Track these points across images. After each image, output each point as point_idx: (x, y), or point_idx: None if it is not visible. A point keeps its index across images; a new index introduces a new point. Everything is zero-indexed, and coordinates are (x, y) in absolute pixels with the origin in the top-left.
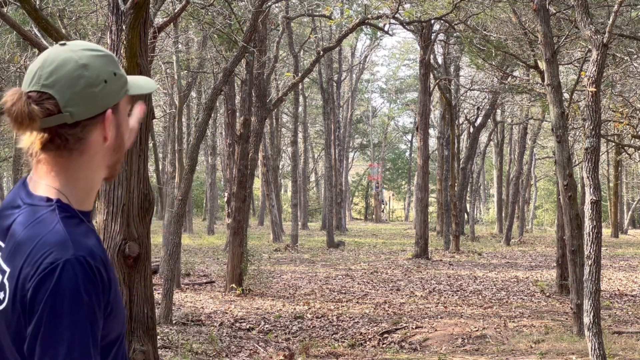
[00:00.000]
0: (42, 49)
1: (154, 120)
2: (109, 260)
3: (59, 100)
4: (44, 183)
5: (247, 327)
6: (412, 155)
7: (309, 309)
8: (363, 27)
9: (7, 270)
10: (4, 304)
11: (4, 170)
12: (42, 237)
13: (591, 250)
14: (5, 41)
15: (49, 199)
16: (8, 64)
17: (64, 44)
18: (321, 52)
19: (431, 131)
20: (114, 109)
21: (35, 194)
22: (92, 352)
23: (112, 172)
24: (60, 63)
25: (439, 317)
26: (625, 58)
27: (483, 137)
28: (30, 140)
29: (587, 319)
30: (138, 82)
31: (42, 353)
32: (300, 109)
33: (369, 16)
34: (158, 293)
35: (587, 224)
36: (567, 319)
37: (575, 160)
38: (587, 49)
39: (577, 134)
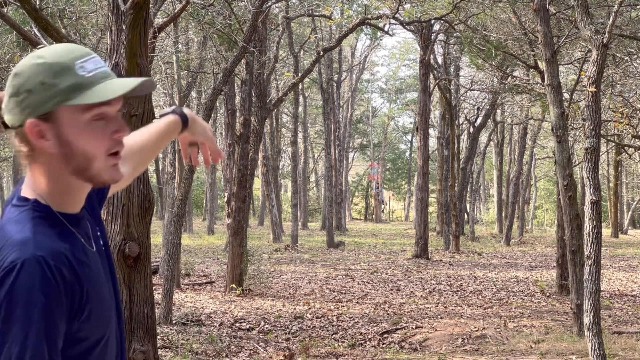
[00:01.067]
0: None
1: (154, 120)
2: (86, 262)
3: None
4: (28, 184)
5: (247, 327)
6: (412, 155)
7: (309, 309)
8: (363, 27)
9: None
10: None
11: (4, 170)
12: (10, 236)
13: (591, 251)
14: (5, 41)
15: (26, 199)
16: (8, 64)
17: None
18: (321, 52)
19: (431, 131)
20: (49, 118)
21: (20, 195)
22: (45, 353)
23: (91, 179)
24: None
25: (439, 317)
26: (625, 58)
27: (483, 137)
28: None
29: (587, 319)
30: (100, 90)
31: None
32: (300, 109)
33: (369, 16)
34: (158, 293)
35: (587, 224)
36: (567, 319)
37: (575, 160)
38: (587, 49)
39: (577, 134)
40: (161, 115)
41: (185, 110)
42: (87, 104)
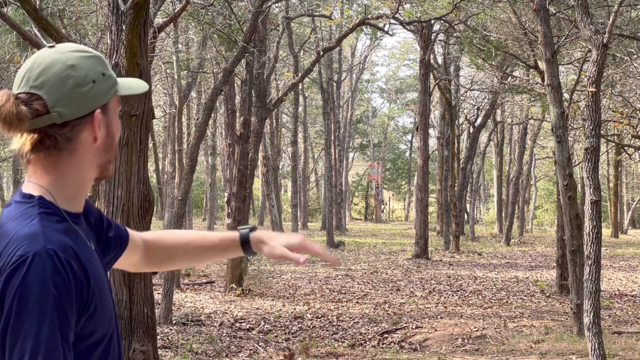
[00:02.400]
0: (41, 49)
1: (154, 120)
2: (89, 259)
3: (48, 101)
4: (32, 182)
5: (247, 327)
6: (412, 155)
7: (309, 309)
8: (363, 27)
9: None
10: None
11: (4, 170)
12: (17, 231)
13: (591, 250)
14: (5, 41)
15: (31, 196)
16: (8, 64)
17: (53, 46)
18: (321, 52)
19: (431, 131)
20: (103, 109)
21: (23, 192)
22: (60, 345)
23: (103, 172)
24: (49, 64)
25: (439, 317)
26: (625, 58)
27: (483, 137)
28: (20, 141)
29: (587, 319)
30: (128, 84)
31: (11, 346)
32: (300, 109)
33: (369, 16)
34: (158, 293)
35: (587, 224)
36: (567, 319)
37: (575, 160)
38: (587, 49)
39: (577, 134)
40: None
41: (256, 231)
42: (119, 99)
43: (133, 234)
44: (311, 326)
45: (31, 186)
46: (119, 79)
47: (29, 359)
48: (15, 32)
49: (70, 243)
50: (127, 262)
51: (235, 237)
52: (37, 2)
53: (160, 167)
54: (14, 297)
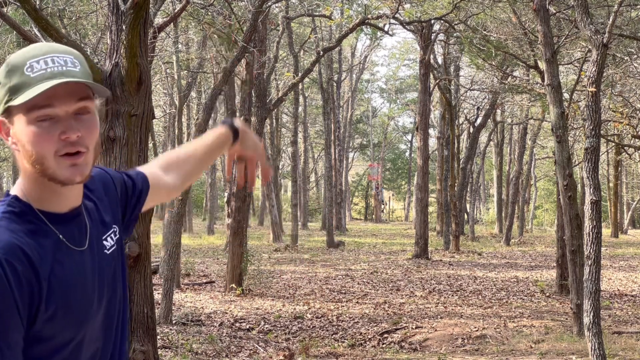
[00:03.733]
0: None
1: (154, 120)
2: (56, 260)
3: None
4: (17, 181)
5: (247, 327)
6: (412, 155)
7: (309, 309)
8: (363, 27)
9: None
10: None
11: (4, 170)
12: None
13: (591, 250)
14: (5, 41)
15: (8, 195)
16: None
17: None
18: (321, 52)
19: (431, 131)
20: (9, 118)
21: (8, 191)
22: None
23: (50, 177)
24: None
25: (439, 317)
26: (625, 58)
27: (483, 137)
28: None
29: (587, 319)
30: (31, 91)
31: None
32: (300, 109)
33: (369, 16)
34: (158, 293)
35: (587, 224)
36: (567, 319)
37: (575, 160)
38: (587, 49)
39: (577, 134)
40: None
41: (237, 122)
42: (28, 105)
43: (151, 173)
44: (311, 326)
45: (15, 186)
46: (46, 82)
47: None
48: (15, 32)
49: (21, 243)
50: (157, 196)
51: (226, 131)
52: (37, 2)
53: None
54: None
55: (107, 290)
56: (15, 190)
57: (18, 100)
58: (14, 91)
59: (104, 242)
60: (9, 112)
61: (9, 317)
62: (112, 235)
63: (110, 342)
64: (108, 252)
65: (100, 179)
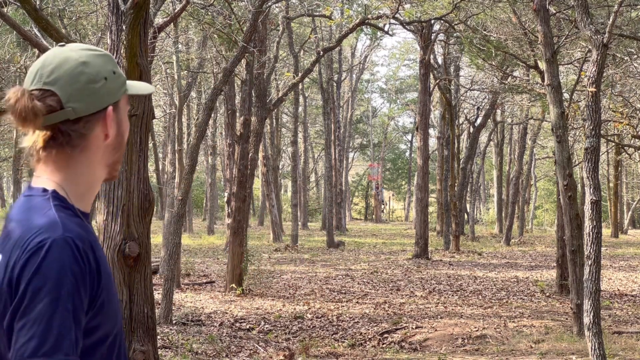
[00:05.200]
0: (42, 49)
1: (154, 120)
2: (101, 253)
3: (61, 97)
4: (44, 177)
5: (247, 327)
6: (412, 155)
7: (309, 309)
8: (363, 27)
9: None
10: None
11: (4, 170)
12: (32, 220)
13: (591, 250)
14: (6, 41)
15: (45, 190)
16: (8, 64)
17: (63, 45)
18: (321, 52)
19: (431, 131)
20: (115, 107)
21: (35, 186)
22: (72, 332)
23: (112, 172)
24: (61, 61)
25: (439, 317)
26: (625, 58)
27: (483, 137)
28: (32, 138)
29: (587, 319)
30: (137, 85)
31: (20, 328)
32: (300, 109)
33: (369, 16)
34: (158, 293)
35: (587, 224)
36: (567, 319)
37: (575, 160)
38: (587, 49)
39: (577, 134)
40: None
41: None
42: (126, 99)
43: None
44: (311, 326)
45: (44, 181)
46: (127, 80)
47: (37, 342)
48: (15, 32)
49: (86, 234)
50: None
51: None
52: (37, 2)
53: (160, 167)
54: (29, 281)
55: None
56: (48, 185)
57: (135, 90)
58: (124, 82)
59: None
60: (118, 101)
61: (84, 303)
62: None
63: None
64: None
65: None
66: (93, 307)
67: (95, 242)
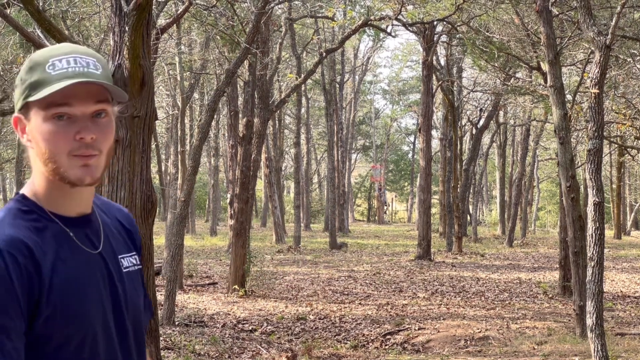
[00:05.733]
0: None
1: (157, 121)
2: (60, 258)
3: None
4: (29, 180)
5: (250, 328)
6: (415, 156)
7: (312, 310)
8: (366, 28)
9: None
10: None
11: (7, 172)
12: None
13: (594, 252)
14: (9, 42)
15: (17, 194)
16: (11, 65)
17: None
18: (324, 54)
19: (434, 133)
20: (24, 114)
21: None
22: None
23: (61, 177)
24: None
25: (442, 318)
26: (628, 59)
27: (486, 139)
28: None
29: (589, 321)
30: (50, 88)
31: None
32: (302, 110)
33: (372, 18)
34: (160, 294)
35: (590, 226)
36: (569, 320)
37: (578, 162)
38: (589, 51)
39: (579, 135)
40: None
41: None
42: (46, 102)
43: None
44: (314, 327)
45: (26, 185)
46: (65, 81)
47: None
48: (18, 34)
49: (25, 238)
50: None
51: None
52: (40, 4)
53: (163, 169)
54: None
55: (124, 303)
56: (25, 189)
57: (36, 96)
58: (33, 87)
59: (121, 260)
60: (26, 108)
61: (7, 305)
62: (132, 259)
63: (128, 356)
64: (125, 271)
65: (126, 218)
66: (39, 312)
67: (48, 246)
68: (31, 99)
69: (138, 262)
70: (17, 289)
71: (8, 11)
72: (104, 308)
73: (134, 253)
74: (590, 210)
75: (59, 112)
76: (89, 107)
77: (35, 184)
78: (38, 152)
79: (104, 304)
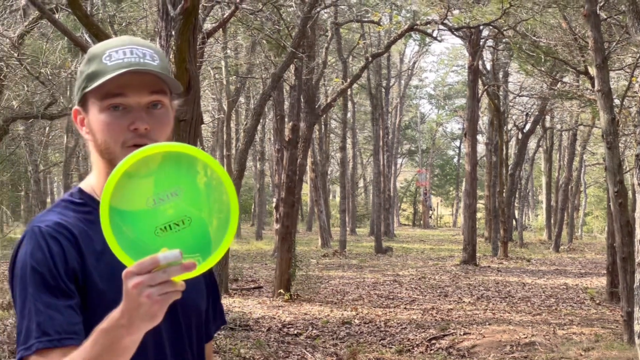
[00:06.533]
0: None
1: (203, 125)
2: (102, 250)
3: None
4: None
5: (295, 332)
6: (460, 161)
7: (357, 314)
8: (412, 33)
9: None
10: None
11: (54, 175)
12: None
13: None
14: (57, 47)
15: (75, 188)
16: (59, 69)
17: None
18: (370, 58)
19: (479, 137)
20: (83, 107)
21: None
22: (40, 313)
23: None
24: None
25: (487, 323)
26: None
27: (532, 144)
28: None
29: (637, 327)
30: (105, 78)
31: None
32: (349, 114)
33: (418, 22)
34: None
35: (638, 232)
36: (617, 326)
37: (626, 167)
38: (638, 55)
39: (627, 140)
40: None
41: None
42: (102, 92)
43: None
44: (359, 332)
45: (86, 178)
46: (121, 71)
47: (23, 338)
48: (66, 38)
49: (69, 224)
50: None
51: None
52: (88, 8)
53: None
54: (12, 277)
55: (179, 304)
56: (83, 183)
57: (92, 86)
58: (90, 78)
59: None
60: (85, 100)
61: (47, 281)
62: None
63: (184, 354)
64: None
65: None
66: (78, 286)
67: (91, 237)
68: (87, 89)
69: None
70: (60, 270)
71: (57, 16)
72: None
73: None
74: (638, 215)
75: (114, 102)
76: (144, 98)
77: (93, 177)
78: (94, 143)
79: None
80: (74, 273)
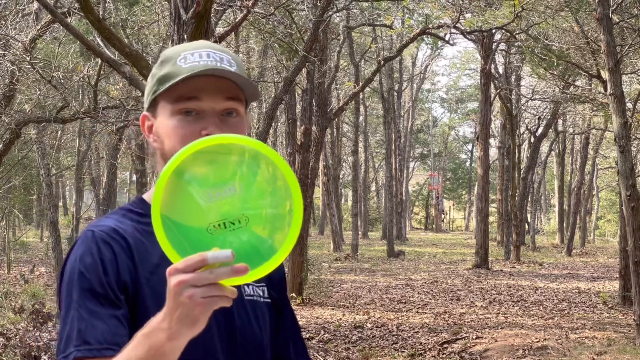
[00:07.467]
0: (104, 58)
1: None
2: (155, 263)
3: None
4: None
5: (307, 336)
6: (473, 165)
7: (369, 318)
8: (424, 36)
9: None
10: None
11: (67, 179)
12: None
13: None
14: (69, 51)
15: (137, 196)
16: (71, 73)
17: None
18: (382, 62)
19: (492, 141)
20: (151, 111)
21: None
22: (82, 320)
23: None
24: None
25: (500, 327)
26: None
27: (544, 147)
28: None
29: None
30: (175, 75)
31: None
32: (360, 118)
33: (430, 26)
34: None
35: None
36: (630, 330)
37: (639, 170)
38: None
39: None
40: None
41: None
42: (174, 95)
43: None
44: (371, 335)
45: (151, 189)
46: (194, 73)
47: (62, 346)
48: (78, 42)
49: (123, 231)
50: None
51: None
52: (100, 12)
53: None
54: (62, 280)
55: (239, 332)
56: (147, 194)
57: (164, 87)
58: (162, 81)
59: (244, 286)
60: (155, 104)
61: (94, 288)
62: (259, 290)
63: None
64: (247, 298)
65: None
66: (128, 297)
67: (145, 245)
68: (159, 92)
69: (266, 295)
70: (110, 277)
71: (69, 20)
72: (210, 332)
73: (263, 284)
74: None
75: (186, 106)
76: (219, 104)
77: None
78: (161, 151)
79: (211, 327)
80: (124, 282)
